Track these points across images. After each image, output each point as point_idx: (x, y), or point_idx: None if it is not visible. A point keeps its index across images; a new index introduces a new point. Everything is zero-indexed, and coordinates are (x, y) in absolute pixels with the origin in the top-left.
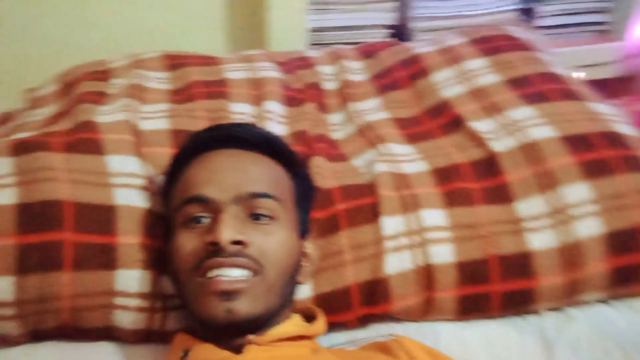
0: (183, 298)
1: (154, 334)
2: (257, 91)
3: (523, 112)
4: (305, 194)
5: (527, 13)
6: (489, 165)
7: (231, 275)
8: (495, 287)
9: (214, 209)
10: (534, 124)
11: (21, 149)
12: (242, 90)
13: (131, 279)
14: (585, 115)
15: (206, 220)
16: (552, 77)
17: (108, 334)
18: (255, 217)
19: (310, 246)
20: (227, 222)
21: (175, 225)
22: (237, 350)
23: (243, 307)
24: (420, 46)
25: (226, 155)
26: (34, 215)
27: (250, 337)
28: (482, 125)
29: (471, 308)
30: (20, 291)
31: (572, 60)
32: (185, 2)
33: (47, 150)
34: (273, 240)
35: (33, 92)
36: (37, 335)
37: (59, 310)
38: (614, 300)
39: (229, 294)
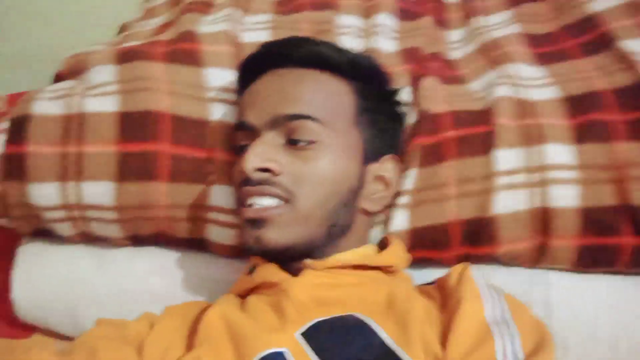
0: None
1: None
2: (368, 2)
3: None
4: (376, 109)
5: None
6: (638, 93)
7: (261, 204)
8: (627, 240)
9: (254, 134)
10: None
11: (123, 57)
12: (353, 1)
13: (224, 195)
14: None
15: None
16: None
17: (201, 245)
18: (294, 142)
19: (390, 168)
20: (253, 150)
21: None
22: (296, 273)
23: (272, 236)
24: None
25: (270, 76)
26: (134, 124)
27: (308, 261)
28: (637, 45)
29: (593, 260)
30: (120, 197)
31: None
32: None
33: (147, 60)
34: (312, 167)
35: (148, 3)
36: (137, 240)
37: (156, 219)
38: None
39: (256, 222)
